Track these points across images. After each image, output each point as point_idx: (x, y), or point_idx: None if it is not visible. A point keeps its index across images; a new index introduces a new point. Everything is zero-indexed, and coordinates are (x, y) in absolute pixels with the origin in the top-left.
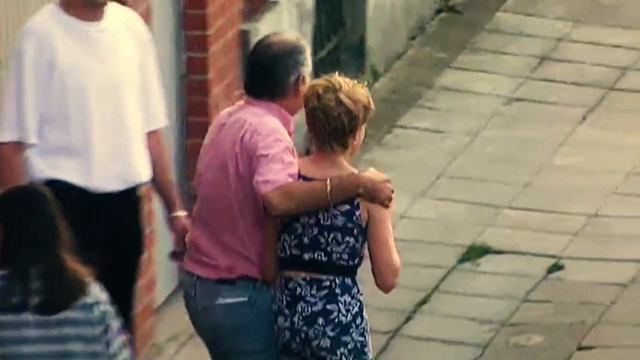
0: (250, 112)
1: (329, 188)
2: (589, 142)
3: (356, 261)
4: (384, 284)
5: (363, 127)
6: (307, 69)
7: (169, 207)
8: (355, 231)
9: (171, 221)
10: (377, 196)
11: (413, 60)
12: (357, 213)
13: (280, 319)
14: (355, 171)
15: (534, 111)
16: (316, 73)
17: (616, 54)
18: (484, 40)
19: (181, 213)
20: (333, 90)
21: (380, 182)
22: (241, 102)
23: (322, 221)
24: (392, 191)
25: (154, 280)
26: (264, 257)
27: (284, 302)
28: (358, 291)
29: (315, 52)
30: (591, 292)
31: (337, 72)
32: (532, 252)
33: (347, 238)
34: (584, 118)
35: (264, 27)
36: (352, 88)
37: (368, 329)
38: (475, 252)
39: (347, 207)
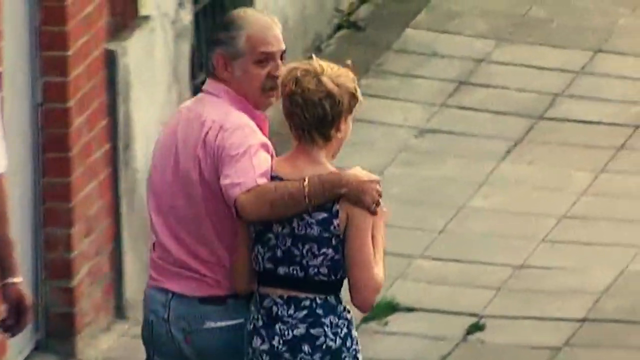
0: (209, 103)
1: (307, 189)
2: (514, 180)
3: (339, 276)
4: (362, 302)
5: (349, 120)
6: (232, 49)
7: (3, 270)
8: (333, 241)
9: (5, 288)
10: (363, 198)
11: None
12: (334, 222)
13: (257, 340)
14: (335, 170)
15: (449, 145)
16: None
17: (545, 77)
18: (391, 61)
19: (17, 279)
20: (314, 74)
21: (367, 182)
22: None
23: (296, 230)
24: (380, 195)
25: (4, 342)
26: (234, 266)
27: (260, 322)
28: (344, 309)
29: (193, 76)
30: (517, 357)
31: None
32: (449, 310)
33: (324, 250)
34: (508, 152)
35: (133, 47)
36: (336, 72)
37: (360, 349)
38: (382, 310)
39: (324, 214)
